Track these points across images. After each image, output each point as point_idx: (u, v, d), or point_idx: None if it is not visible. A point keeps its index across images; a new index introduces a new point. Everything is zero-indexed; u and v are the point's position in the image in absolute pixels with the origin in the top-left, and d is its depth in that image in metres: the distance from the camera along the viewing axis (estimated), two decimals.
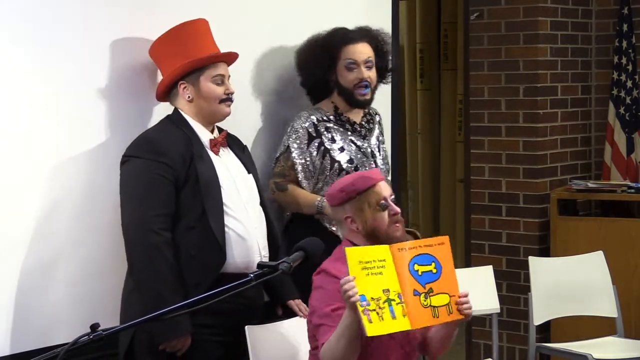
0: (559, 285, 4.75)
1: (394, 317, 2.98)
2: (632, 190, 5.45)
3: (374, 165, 4.04)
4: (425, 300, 3.05)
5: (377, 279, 2.99)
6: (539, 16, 5.58)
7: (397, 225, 3.23)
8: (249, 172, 3.59)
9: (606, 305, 4.77)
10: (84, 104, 3.46)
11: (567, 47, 5.78)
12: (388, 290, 3.00)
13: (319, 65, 4.00)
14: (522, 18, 5.61)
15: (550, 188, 5.66)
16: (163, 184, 3.32)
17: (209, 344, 3.40)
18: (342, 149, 3.99)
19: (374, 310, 2.95)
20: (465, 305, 3.11)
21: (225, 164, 3.50)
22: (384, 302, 2.98)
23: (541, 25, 5.59)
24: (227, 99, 3.52)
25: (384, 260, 3.01)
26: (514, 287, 5.63)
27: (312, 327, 3.20)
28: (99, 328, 2.24)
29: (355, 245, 3.21)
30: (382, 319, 2.96)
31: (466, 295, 3.12)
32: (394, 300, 3.00)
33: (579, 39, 5.88)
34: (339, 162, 3.97)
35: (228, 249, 3.39)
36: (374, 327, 2.93)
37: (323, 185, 3.98)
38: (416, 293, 3.03)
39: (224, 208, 3.40)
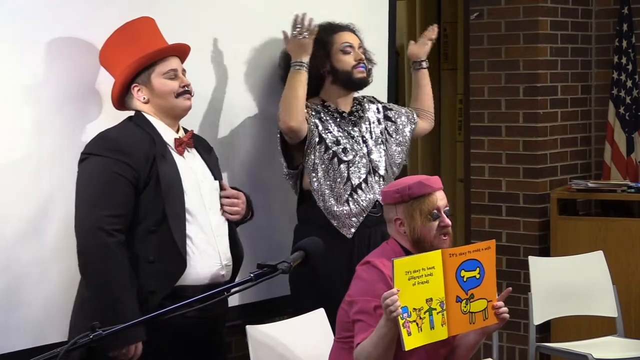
0: (559, 285, 4.74)
1: (432, 328, 2.99)
2: (632, 190, 5.44)
3: (365, 150, 4.05)
4: (465, 307, 3.06)
5: (423, 288, 2.98)
6: (539, 16, 5.58)
7: (445, 237, 3.20)
8: (215, 179, 3.45)
9: (606, 305, 4.77)
10: (80, 99, 3.44)
11: (567, 47, 5.77)
12: (431, 300, 3.00)
13: (316, 52, 3.99)
14: (522, 18, 5.60)
15: (550, 188, 5.66)
16: (120, 183, 3.18)
17: None
18: (336, 140, 4.01)
19: (414, 321, 2.95)
20: (502, 309, 3.11)
21: (191, 167, 3.36)
22: (425, 312, 2.99)
23: (541, 25, 5.58)
24: (184, 92, 3.36)
25: (433, 267, 3.00)
26: (514, 286, 5.49)
27: (346, 316, 3.17)
28: (98, 328, 2.24)
29: (401, 245, 3.21)
30: (421, 329, 2.97)
31: (502, 300, 3.14)
32: (435, 309, 3.01)
33: (579, 39, 5.87)
34: (325, 140, 3.99)
35: (189, 257, 3.25)
36: (412, 340, 2.94)
37: (311, 167, 3.98)
38: (458, 299, 3.05)
39: (186, 213, 3.27)
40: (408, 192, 3.20)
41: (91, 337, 2.21)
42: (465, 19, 5.97)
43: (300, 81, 3.89)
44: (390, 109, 4.28)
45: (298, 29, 3.90)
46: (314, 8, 4.22)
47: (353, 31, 4.14)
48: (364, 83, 4.11)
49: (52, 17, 3.39)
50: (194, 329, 3.30)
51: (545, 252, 5.53)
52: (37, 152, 3.35)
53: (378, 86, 4.39)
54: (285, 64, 4.04)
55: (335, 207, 3.98)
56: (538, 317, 4.66)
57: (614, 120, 5.72)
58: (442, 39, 6.68)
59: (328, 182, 3.98)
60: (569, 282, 4.77)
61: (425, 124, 4.41)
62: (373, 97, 4.29)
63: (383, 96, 4.51)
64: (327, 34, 4.04)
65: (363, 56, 4.08)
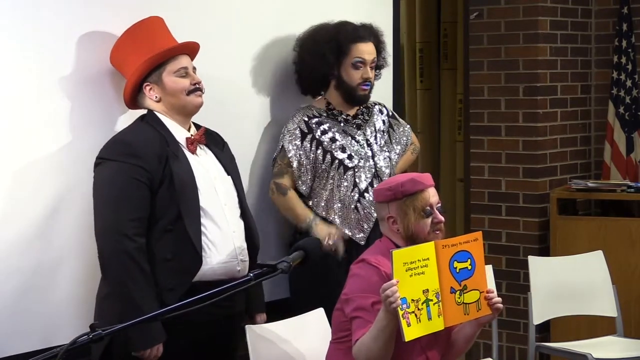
0: (559, 284, 4.74)
1: (429, 319, 3.01)
2: (632, 190, 5.44)
3: (369, 154, 4.05)
4: (459, 298, 3.08)
5: (419, 279, 3.00)
6: (539, 16, 5.58)
7: (438, 233, 3.21)
8: (228, 174, 3.50)
9: (606, 305, 4.77)
10: (85, 100, 3.44)
11: (567, 47, 5.77)
12: (427, 291, 3.02)
13: (325, 57, 4.00)
14: (522, 17, 5.60)
15: (549, 187, 5.66)
16: (137, 187, 3.23)
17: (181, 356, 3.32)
18: (342, 147, 4.01)
19: (413, 312, 2.97)
20: (495, 300, 3.12)
21: (203, 165, 3.41)
22: (422, 304, 3.00)
23: (541, 24, 5.58)
24: (195, 89, 3.41)
25: (428, 258, 3.02)
26: (513, 286, 5.62)
27: (342, 316, 3.17)
28: (98, 328, 2.23)
29: (394, 243, 3.22)
30: (420, 320, 2.98)
31: (493, 292, 3.15)
32: (431, 300, 3.02)
33: (579, 39, 5.87)
34: (332, 153, 4.00)
35: (204, 254, 3.30)
36: (412, 331, 2.96)
37: (320, 181, 3.99)
38: (452, 291, 3.06)
39: (201, 211, 3.32)
40: (401, 190, 3.21)
41: (90, 336, 2.21)
42: (464, 19, 5.97)
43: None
44: (396, 123, 4.29)
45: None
46: (318, 7, 4.25)
47: (376, 37, 4.11)
48: (363, 101, 4.11)
49: (80, 11, 3.41)
50: (204, 327, 3.32)
51: (545, 251, 5.53)
52: (48, 152, 3.34)
53: (384, 86, 4.40)
54: (303, 59, 4.06)
55: (346, 215, 4.00)
56: (538, 316, 4.66)
57: (613, 120, 5.72)
58: (442, 39, 6.68)
59: (337, 195, 3.99)
60: (569, 281, 4.77)
61: (414, 157, 4.44)
62: (384, 105, 4.29)
63: (388, 93, 4.51)
64: (347, 39, 4.02)
65: (371, 75, 4.05)
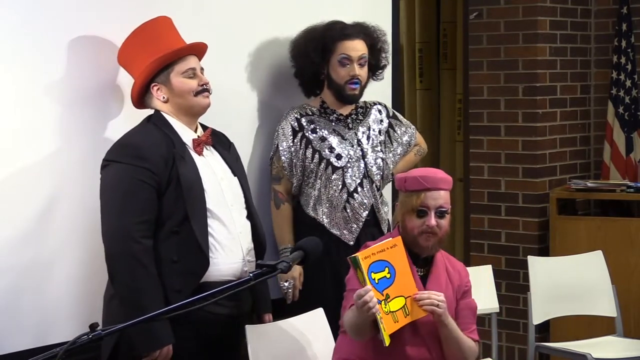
0: (558, 284, 4.74)
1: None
2: (631, 190, 5.45)
3: (359, 153, 4.04)
4: (385, 307, 3.04)
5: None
6: (538, 16, 5.58)
7: (429, 236, 3.19)
8: (234, 175, 3.49)
9: (605, 305, 4.77)
10: (75, 99, 3.43)
11: (567, 47, 5.78)
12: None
13: (313, 57, 4.00)
14: (522, 17, 5.61)
15: (549, 187, 5.66)
16: (144, 189, 3.22)
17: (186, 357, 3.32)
18: (330, 146, 4.00)
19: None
20: (423, 301, 3.10)
21: (210, 166, 3.40)
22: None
23: (540, 24, 5.59)
24: (203, 90, 3.40)
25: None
26: (513, 286, 5.63)
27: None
28: (98, 327, 2.23)
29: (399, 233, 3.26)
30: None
31: (424, 293, 3.12)
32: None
33: (578, 39, 5.88)
34: (321, 153, 3.99)
35: (212, 255, 3.30)
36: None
37: (309, 180, 3.99)
38: (378, 302, 3.03)
39: (208, 212, 3.31)
40: (404, 184, 3.24)
41: (90, 336, 2.21)
42: (464, 19, 5.97)
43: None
44: (397, 123, 4.26)
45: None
46: (317, 8, 4.24)
47: (369, 36, 4.07)
48: (353, 99, 4.08)
49: (73, 15, 3.40)
50: (210, 328, 3.32)
51: (544, 251, 5.54)
52: (43, 153, 3.34)
53: (383, 86, 4.40)
54: (295, 61, 4.06)
55: (334, 215, 3.98)
56: (537, 316, 4.66)
57: (613, 120, 5.72)
58: (442, 39, 6.68)
59: (325, 195, 3.98)
60: (568, 281, 4.77)
61: (417, 159, 4.40)
62: (385, 106, 4.27)
63: (387, 93, 4.51)
64: (333, 38, 4.00)
65: (359, 71, 4.00)
